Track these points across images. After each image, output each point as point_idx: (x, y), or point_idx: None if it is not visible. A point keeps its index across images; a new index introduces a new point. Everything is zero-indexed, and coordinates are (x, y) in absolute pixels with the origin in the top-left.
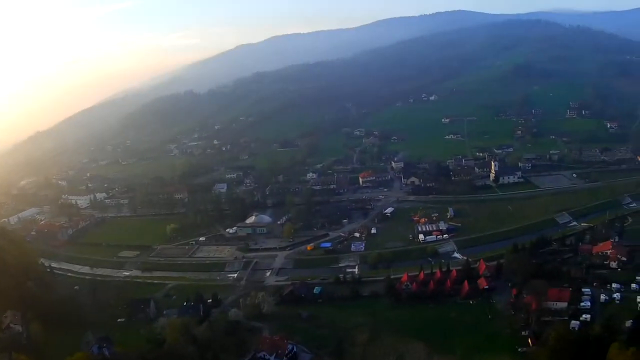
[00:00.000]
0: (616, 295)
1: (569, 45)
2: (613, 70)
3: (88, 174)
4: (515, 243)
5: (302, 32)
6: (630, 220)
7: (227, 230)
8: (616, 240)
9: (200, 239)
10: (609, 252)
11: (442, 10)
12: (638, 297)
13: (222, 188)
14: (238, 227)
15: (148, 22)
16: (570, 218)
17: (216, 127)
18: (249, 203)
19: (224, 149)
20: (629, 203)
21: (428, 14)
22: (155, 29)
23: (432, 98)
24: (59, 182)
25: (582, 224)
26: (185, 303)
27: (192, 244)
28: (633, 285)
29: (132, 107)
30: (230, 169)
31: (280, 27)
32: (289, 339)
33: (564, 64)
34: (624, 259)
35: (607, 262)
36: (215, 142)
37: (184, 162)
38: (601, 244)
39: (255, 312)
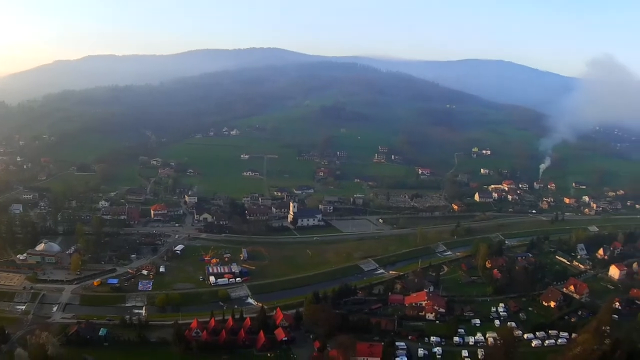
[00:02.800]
0: (437, 350)
1: (385, 91)
2: (429, 118)
3: None
4: (316, 291)
5: (117, 54)
6: (445, 269)
7: (18, 256)
8: (431, 290)
9: None
10: (424, 303)
11: (258, 46)
12: (463, 351)
13: (18, 209)
14: (28, 254)
15: None
16: (377, 265)
17: (21, 142)
18: (41, 228)
19: (25, 167)
20: (443, 251)
21: (243, 48)
22: None
23: (233, 133)
24: None
25: (391, 272)
26: None
27: None
28: (456, 339)
29: None
30: (28, 189)
31: (98, 46)
32: None
33: (377, 108)
34: (442, 310)
35: (423, 313)
36: (19, 159)
37: None
38: (415, 294)
39: (41, 353)
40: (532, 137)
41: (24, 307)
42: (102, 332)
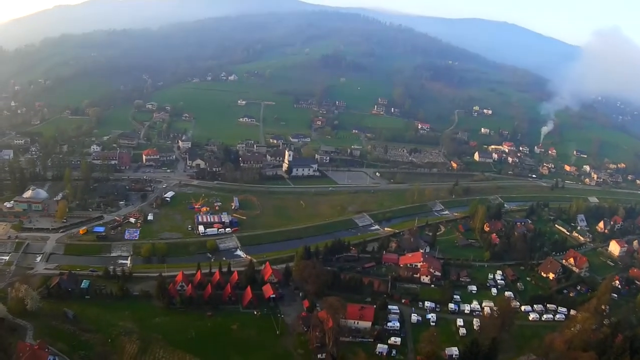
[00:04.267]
0: (431, 316)
1: (387, 43)
2: (429, 73)
3: None
4: (307, 245)
5: None
6: (442, 229)
7: (5, 204)
8: (427, 251)
9: None
10: (419, 264)
11: None
12: (458, 319)
13: (8, 155)
14: (15, 201)
15: None
16: (372, 221)
17: (16, 87)
18: (30, 174)
19: (19, 111)
20: (440, 210)
21: None
22: None
23: (231, 78)
24: None
25: (386, 229)
26: None
27: None
28: (451, 306)
29: None
30: (21, 134)
31: None
32: (52, 345)
33: (377, 59)
34: (437, 273)
35: (418, 275)
36: (13, 103)
37: None
38: (410, 255)
39: (20, 307)
40: (533, 100)
41: (7, 258)
42: (84, 284)
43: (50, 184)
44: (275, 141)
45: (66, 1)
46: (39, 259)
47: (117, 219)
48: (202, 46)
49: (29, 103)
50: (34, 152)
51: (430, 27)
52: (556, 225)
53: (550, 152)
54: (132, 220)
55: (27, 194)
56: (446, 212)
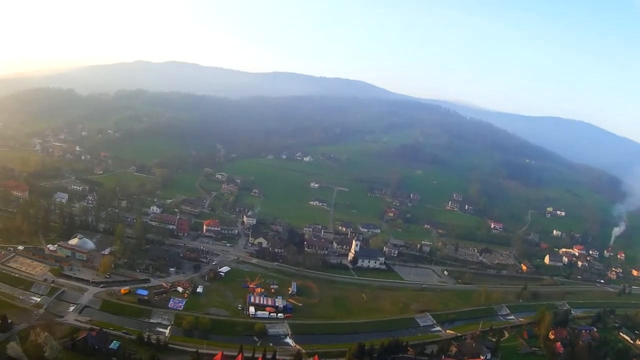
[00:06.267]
0: None
1: (465, 137)
2: (506, 170)
3: None
4: (362, 342)
5: (201, 64)
6: (506, 335)
7: (49, 246)
8: (488, 357)
9: (19, 247)
10: None
11: (344, 77)
12: None
13: (63, 198)
14: (59, 245)
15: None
16: (434, 321)
17: (84, 133)
18: (81, 222)
19: (83, 157)
20: (506, 314)
21: (329, 77)
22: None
23: (306, 159)
24: None
25: (448, 331)
26: None
27: (9, 250)
28: None
29: (13, 90)
30: (80, 180)
31: (183, 54)
32: None
33: (455, 153)
34: None
35: None
36: (78, 149)
37: (38, 160)
38: None
39: (39, 353)
40: (606, 202)
41: (38, 300)
42: (113, 344)
43: (100, 236)
44: (344, 228)
45: (148, 57)
46: (72, 308)
47: (164, 285)
48: (281, 123)
49: (94, 151)
50: (90, 201)
51: (508, 124)
52: (620, 333)
53: (619, 255)
54: (180, 289)
55: (73, 241)
56: (512, 316)
